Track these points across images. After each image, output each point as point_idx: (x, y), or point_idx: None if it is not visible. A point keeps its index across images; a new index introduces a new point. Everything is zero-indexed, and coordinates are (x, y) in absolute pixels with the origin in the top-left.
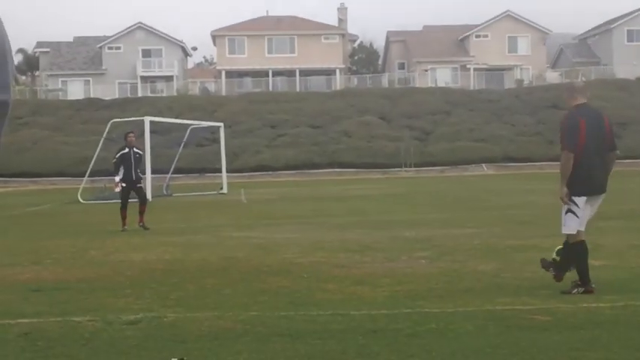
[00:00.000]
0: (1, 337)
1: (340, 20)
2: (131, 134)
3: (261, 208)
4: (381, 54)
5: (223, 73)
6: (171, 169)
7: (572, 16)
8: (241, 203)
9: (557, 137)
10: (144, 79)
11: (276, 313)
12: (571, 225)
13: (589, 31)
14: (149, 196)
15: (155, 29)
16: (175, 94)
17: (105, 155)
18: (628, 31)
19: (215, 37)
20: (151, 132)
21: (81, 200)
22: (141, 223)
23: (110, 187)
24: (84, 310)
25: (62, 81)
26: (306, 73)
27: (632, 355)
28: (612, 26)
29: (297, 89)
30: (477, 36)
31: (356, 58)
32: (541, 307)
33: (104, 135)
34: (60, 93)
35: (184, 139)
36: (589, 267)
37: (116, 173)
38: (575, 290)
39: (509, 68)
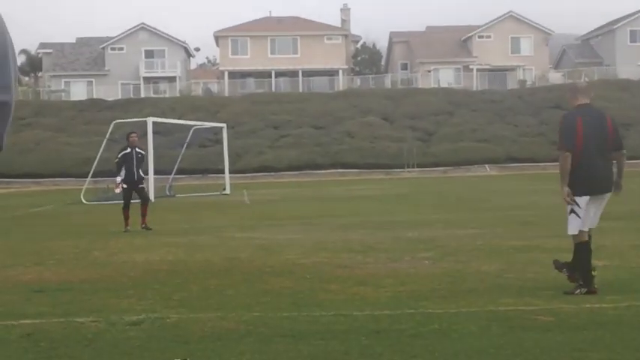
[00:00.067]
0: (4, 337)
1: (343, 21)
2: (133, 134)
3: (263, 208)
4: (384, 55)
5: (226, 74)
6: (174, 170)
7: (575, 16)
8: (244, 204)
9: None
10: (146, 79)
11: (279, 314)
12: (574, 225)
13: (592, 31)
14: (152, 196)
15: (158, 30)
16: (178, 94)
17: (108, 156)
18: (631, 31)
19: (218, 37)
20: (154, 133)
21: (84, 201)
22: (143, 225)
23: (112, 188)
24: (87, 310)
25: (65, 82)
26: (308, 73)
27: (634, 355)
28: (615, 27)
29: (300, 90)
30: (480, 36)
31: (359, 58)
32: (544, 307)
33: (107, 136)
34: (63, 94)
35: (187, 140)
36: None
37: (118, 173)
38: (578, 291)
39: (512, 69)
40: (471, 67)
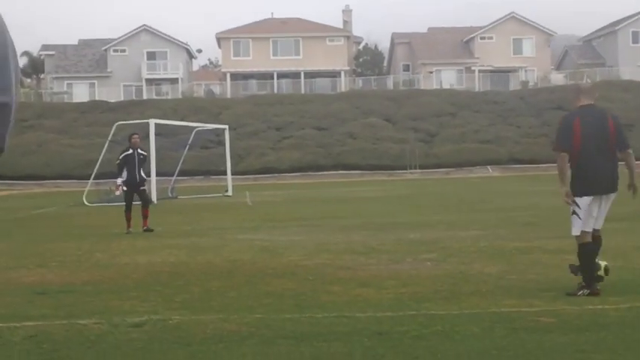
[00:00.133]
0: (7, 339)
1: (345, 22)
2: (135, 135)
3: (266, 210)
4: (386, 56)
5: (228, 76)
6: (177, 172)
7: (577, 17)
8: (246, 205)
9: None
10: (149, 81)
11: (281, 316)
12: (575, 226)
13: (594, 32)
14: (154, 198)
15: (160, 32)
16: (180, 96)
17: (110, 158)
18: (633, 32)
19: (220, 39)
20: (156, 134)
21: (86, 203)
22: (145, 227)
23: (113, 190)
24: (89, 312)
25: (67, 84)
26: (311, 75)
27: (637, 356)
28: (617, 28)
29: (302, 91)
30: (482, 38)
31: (361, 60)
32: (546, 308)
33: (109, 137)
34: (65, 96)
35: (189, 142)
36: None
37: (119, 175)
38: (581, 292)
39: (514, 70)
40: (473, 68)
